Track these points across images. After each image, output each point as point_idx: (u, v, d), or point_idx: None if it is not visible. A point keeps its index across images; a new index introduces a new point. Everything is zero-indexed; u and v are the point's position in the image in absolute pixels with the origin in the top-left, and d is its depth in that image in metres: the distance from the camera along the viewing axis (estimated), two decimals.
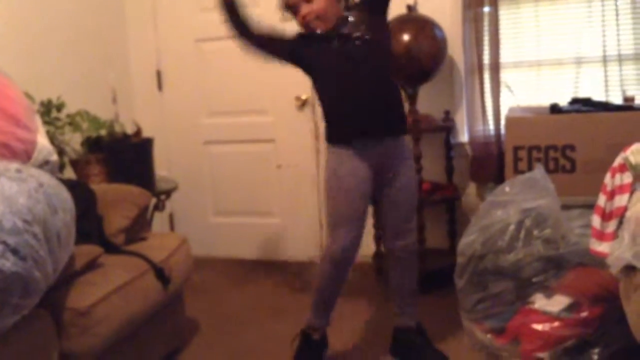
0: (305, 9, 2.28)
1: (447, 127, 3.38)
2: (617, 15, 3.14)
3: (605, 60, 3.19)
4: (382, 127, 2.34)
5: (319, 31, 2.30)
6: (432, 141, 3.47)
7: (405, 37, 3.11)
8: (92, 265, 2.10)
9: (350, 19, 2.31)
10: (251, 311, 3.12)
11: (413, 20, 3.20)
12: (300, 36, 2.39)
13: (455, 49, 3.38)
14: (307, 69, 2.42)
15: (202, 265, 3.56)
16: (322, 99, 2.42)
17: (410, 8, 3.25)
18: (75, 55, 3.52)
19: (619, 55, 3.16)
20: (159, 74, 4.04)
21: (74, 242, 1.92)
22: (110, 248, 2.32)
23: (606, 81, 3.20)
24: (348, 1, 2.36)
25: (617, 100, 3.11)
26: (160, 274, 2.33)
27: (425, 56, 3.13)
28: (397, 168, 2.38)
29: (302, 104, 3.73)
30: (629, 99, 3.05)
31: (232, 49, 4.19)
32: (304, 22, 2.31)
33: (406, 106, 3.32)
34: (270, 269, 3.66)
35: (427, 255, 3.25)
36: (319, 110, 3.69)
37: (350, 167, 2.34)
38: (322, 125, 3.64)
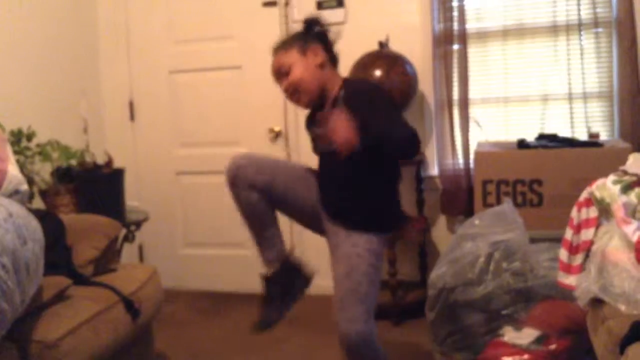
0: (284, 84, 2.12)
1: (417, 161, 3.42)
2: (582, 54, 3.24)
3: (570, 97, 3.27)
4: (338, 217, 2.14)
5: (301, 106, 2.18)
6: (403, 174, 3.46)
7: (377, 73, 3.17)
8: (60, 296, 2.06)
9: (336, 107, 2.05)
10: (221, 345, 3.08)
11: (385, 56, 3.27)
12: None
13: (425, 84, 3.45)
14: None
15: (171, 297, 3.52)
16: None
17: (382, 44, 3.32)
18: (46, 85, 3.50)
19: (584, 93, 3.25)
20: (131, 105, 4.03)
21: (42, 273, 1.89)
22: (79, 279, 2.28)
23: (572, 118, 3.28)
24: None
25: (582, 136, 3.19)
26: (130, 306, 2.29)
27: (396, 91, 3.19)
28: (341, 248, 2.10)
29: (276, 135, 3.75)
30: (593, 136, 3.14)
31: (205, 80, 4.20)
32: (286, 98, 2.17)
33: None
34: (241, 302, 3.63)
35: (399, 287, 3.26)
36: (292, 141, 3.73)
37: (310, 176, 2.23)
38: (294, 156, 3.68)
